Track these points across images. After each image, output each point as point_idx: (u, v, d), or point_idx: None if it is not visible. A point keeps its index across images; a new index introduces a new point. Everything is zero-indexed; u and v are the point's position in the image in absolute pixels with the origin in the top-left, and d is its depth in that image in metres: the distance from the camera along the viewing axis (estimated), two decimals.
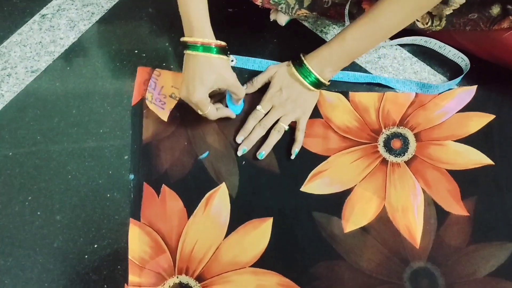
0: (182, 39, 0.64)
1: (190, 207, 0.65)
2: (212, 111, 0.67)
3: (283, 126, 0.70)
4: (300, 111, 0.71)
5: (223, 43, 0.65)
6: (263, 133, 0.70)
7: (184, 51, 0.64)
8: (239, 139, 0.70)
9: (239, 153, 0.69)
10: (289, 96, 0.70)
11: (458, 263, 0.63)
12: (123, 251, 0.62)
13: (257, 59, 0.77)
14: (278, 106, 0.70)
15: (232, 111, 0.71)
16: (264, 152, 0.69)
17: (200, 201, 0.66)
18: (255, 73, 0.74)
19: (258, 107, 0.70)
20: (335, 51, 0.68)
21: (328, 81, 0.71)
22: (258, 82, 0.73)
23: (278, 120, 0.70)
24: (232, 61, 0.76)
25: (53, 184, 0.66)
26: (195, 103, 0.64)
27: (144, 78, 0.74)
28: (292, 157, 0.69)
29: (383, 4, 0.64)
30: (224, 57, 0.65)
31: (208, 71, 0.63)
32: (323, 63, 0.69)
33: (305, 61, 0.69)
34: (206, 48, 0.63)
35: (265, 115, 0.71)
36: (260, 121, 0.70)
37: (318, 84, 0.70)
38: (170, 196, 0.66)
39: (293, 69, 0.70)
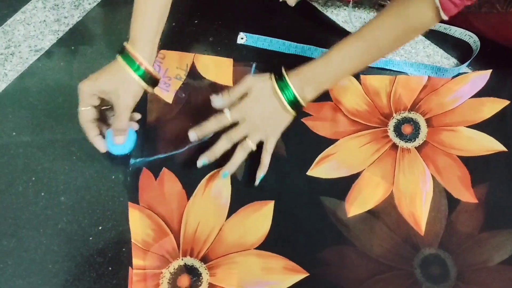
0: (124, 44, 0.61)
1: (190, 188, 0.64)
2: (85, 114, 0.61)
3: (251, 145, 0.63)
4: (270, 130, 0.64)
5: (154, 73, 0.61)
6: (229, 147, 0.63)
7: (117, 55, 0.61)
8: (192, 135, 0.63)
9: (199, 165, 0.63)
10: (262, 111, 0.63)
11: (470, 250, 0.62)
12: (127, 233, 0.61)
13: (267, 38, 0.75)
14: (249, 120, 0.63)
15: (104, 144, 0.63)
16: (228, 171, 0.63)
17: (200, 182, 0.65)
18: (263, 56, 0.73)
19: (226, 110, 0.63)
20: (319, 70, 0.62)
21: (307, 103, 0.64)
22: (234, 92, 0.64)
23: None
24: (242, 38, 0.74)
25: (57, 164, 0.65)
26: (78, 90, 0.61)
27: None
28: (256, 183, 0.64)
29: (372, 24, 0.61)
30: (143, 84, 0.60)
31: (112, 78, 0.60)
32: (304, 81, 0.62)
33: (286, 77, 0.62)
34: (137, 67, 0.60)
35: (232, 126, 0.64)
36: (227, 132, 0.63)
37: (295, 104, 0.63)
38: (168, 178, 0.65)
39: (274, 83, 0.63)
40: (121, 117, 0.61)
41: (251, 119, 0.63)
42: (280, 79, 0.63)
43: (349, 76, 0.70)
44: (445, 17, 0.57)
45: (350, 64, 0.63)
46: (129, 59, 0.60)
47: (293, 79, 0.62)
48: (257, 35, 0.75)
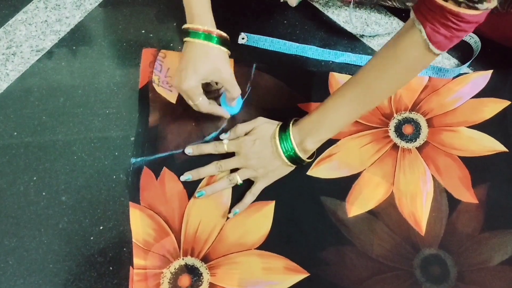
0: (184, 26, 0.62)
1: (191, 188, 0.64)
2: (204, 102, 0.63)
3: (238, 179, 0.63)
4: (262, 173, 0.63)
5: (225, 34, 0.62)
6: (216, 173, 0.65)
7: (184, 39, 0.62)
8: (188, 150, 0.66)
9: (182, 179, 0.64)
10: (259, 152, 0.63)
11: (470, 250, 0.62)
12: (128, 233, 0.61)
13: (268, 38, 0.75)
14: (244, 156, 0.63)
15: (226, 110, 0.67)
16: (205, 192, 0.63)
17: (201, 182, 0.65)
18: (264, 56, 0.73)
19: (225, 141, 0.65)
20: (317, 120, 0.62)
21: (308, 158, 0.64)
22: (240, 129, 0.66)
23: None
24: (243, 38, 0.74)
25: (58, 164, 0.65)
26: (185, 91, 0.61)
27: (149, 60, 0.73)
28: (230, 215, 0.63)
29: (365, 68, 0.59)
30: (224, 49, 0.62)
31: (204, 60, 0.61)
32: (303, 133, 0.62)
33: (290, 128, 0.62)
34: (207, 36, 0.61)
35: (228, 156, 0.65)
36: (220, 161, 0.64)
37: (294, 159, 0.63)
38: (169, 178, 0.65)
39: (276, 132, 0.63)
40: (233, 85, 0.64)
41: (246, 156, 0.63)
42: (283, 129, 0.63)
43: (350, 123, 0.68)
44: (437, 51, 0.53)
45: (347, 112, 0.62)
46: (201, 35, 0.61)
47: (295, 131, 0.62)
48: (258, 35, 0.75)
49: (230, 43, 0.64)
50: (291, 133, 0.62)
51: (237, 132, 0.66)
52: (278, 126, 0.64)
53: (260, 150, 0.63)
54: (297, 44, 0.75)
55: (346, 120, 0.64)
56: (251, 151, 0.63)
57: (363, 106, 0.62)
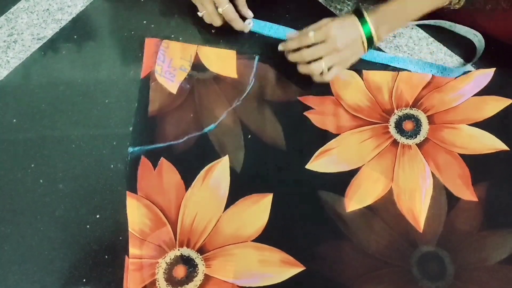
0: None
1: (188, 179, 0.64)
2: (230, 9, 0.66)
3: (323, 66, 0.66)
4: (344, 59, 0.67)
5: None
6: (298, 61, 0.68)
7: None
8: (280, 48, 0.69)
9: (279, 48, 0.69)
10: (345, 37, 0.65)
11: (469, 249, 0.61)
12: (125, 222, 0.61)
13: (274, 25, 0.75)
14: (330, 43, 0.65)
15: (245, 25, 0.70)
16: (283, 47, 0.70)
17: (199, 173, 0.65)
18: (266, 49, 0.73)
19: (311, 32, 0.65)
20: (395, 9, 0.65)
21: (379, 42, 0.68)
22: (307, 30, 0.67)
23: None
24: (249, 24, 0.73)
25: (56, 152, 0.65)
26: None
27: (152, 50, 0.73)
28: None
29: None
30: None
31: None
32: (380, 20, 0.65)
33: (365, 14, 0.65)
34: None
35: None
36: (303, 50, 0.66)
37: (371, 41, 0.66)
38: (167, 168, 0.65)
39: (354, 18, 0.65)
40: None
41: (332, 43, 0.65)
42: (360, 15, 0.65)
43: (420, 16, 0.70)
44: None
45: (425, 4, 0.65)
46: None
47: (371, 16, 0.65)
48: (264, 21, 0.75)
49: None
50: (368, 19, 0.65)
51: (307, 31, 0.66)
52: (353, 15, 0.66)
53: (346, 36, 0.65)
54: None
55: (422, 11, 0.67)
56: (337, 38, 0.65)
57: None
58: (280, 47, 0.69)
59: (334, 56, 0.66)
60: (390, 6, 0.65)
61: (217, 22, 0.70)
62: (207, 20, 0.70)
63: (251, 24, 0.74)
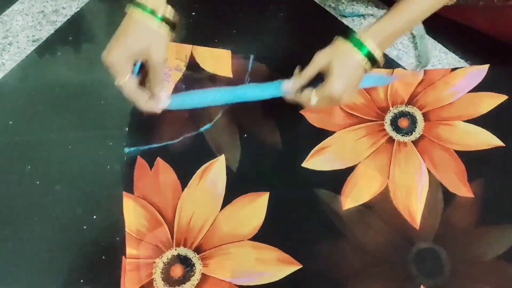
0: None
1: (185, 179, 0.64)
2: (130, 84, 0.57)
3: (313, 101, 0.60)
4: (351, 98, 0.61)
5: (171, 17, 0.57)
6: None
7: (128, 6, 0.55)
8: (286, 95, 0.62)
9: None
10: (350, 86, 0.59)
11: (465, 245, 0.61)
12: (121, 223, 0.61)
13: (199, 92, 0.67)
14: (333, 101, 0.60)
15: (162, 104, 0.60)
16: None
17: (195, 173, 0.65)
18: (260, 48, 0.72)
19: (314, 100, 0.59)
20: (402, 20, 0.59)
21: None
22: (305, 76, 0.60)
23: None
24: (163, 103, 0.62)
25: (52, 154, 0.65)
26: (108, 64, 0.55)
27: None
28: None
29: None
30: (166, 30, 0.56)
31: (139, 35, 0.55)
32: (384, 37, 0.59)
33: (362, 35, 0.59)
34: (152, 11, 0.55)
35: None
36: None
37: (373, 61, 0.59)
38: (163, 168, 0.65)
39: (350, 44, 0.58)
40: (160, 74, 0.58)
41: (336, 100, 0.59)
42: (355, 41, 0.58)
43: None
44: None
45: (425, 10, 0.60)
46: (146, 8, 0.55)
47: (370, 37, 0.58)
48: (181, 95, 0.66)
49: (178, 27, 0.58)
50: (362, 40, 0.58)
51: (304, 79, 0.60)
52: (348, 41, 0.59)
53: (351, 83, 0.59)
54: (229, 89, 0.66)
55: (426, 15, 0.61)
56: (342, 87, 0.58)
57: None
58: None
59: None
60: (388, 21, 0.59)
61: (125, 92, 0.59)
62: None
63: (165, 103, 0.62)
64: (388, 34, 0.59)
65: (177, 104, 0.63)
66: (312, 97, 0.59)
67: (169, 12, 0.56)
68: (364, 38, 0.58)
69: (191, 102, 0.64)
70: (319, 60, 0.59)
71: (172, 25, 0.57)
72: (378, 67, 0.61)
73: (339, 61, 0.58)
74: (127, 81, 0.56)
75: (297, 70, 0.62)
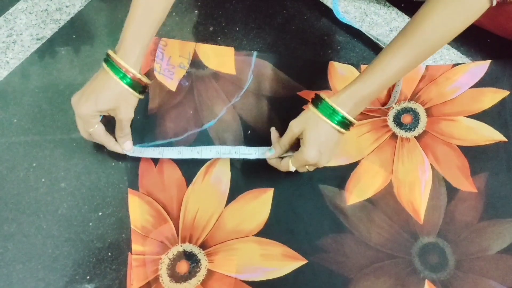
0: (108, 51, 0.59)
1: (189, 176, 0.65)
2: (98, 131, 0.61)
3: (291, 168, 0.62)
4: (330, 160, 0.61)
5: (141, 79, 0.59)
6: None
7: (103, 63, 0.59)
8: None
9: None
10: (325, 150, 0.59)
11: (469, 239, 0.62)
12: (127, 220, 0.61)
13: (159, 148, 0.66)
14: (312, 165, 0.61)
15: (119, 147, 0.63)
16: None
17: (200, 169, 0.65)
18: (263, 46, 0.73)
19: (291, 169, 0.61)
20: (374, 84, 0.57)
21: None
22: (283, 145, 0.62)
23: None
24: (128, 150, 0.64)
25: (57, 151, 0.65)
26: (80, 116, 0.59)
27: (150, 48, 0.73)
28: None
29: (423, 15, 0.56)
30: (134, 93, 0.59)
31: (110, 95, 0.58)
32: (357, 100, 0.58)
33: (329, 101, 0.58)
34: (124, 75, 0.58)
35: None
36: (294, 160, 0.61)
37: (346, 125, 0.59)
38: (168, 165, 0.65)
39: (321, 114, 0.58)
40: (126, 128, 0.62)
41: (314, 165, 0.61)
42: (324, 107, 0.58)
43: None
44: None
45: (405, 68, 0.58)
46: (119, 71, 0.58)
47: (343, 100, 0.58)
48: (147, 146, 0.67)
49: (145, 88, 0.61)
50: (332, 104, 0.58)
51: (283, 148, 0.62)
52: (316, 109, 0.59)
53: (328, 149, 0.60)
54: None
55: (402, 75, 0.62)
56: (316, 154, 0.59)
57: (423, 56, 0.58)
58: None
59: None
60: (359, 85, 0.58)
61: (95, 139, 0.63)
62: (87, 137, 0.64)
63: (129, 152, 0.65)
64: (360, 98, 0.58)
65: (139, 153, 0.65)
66: (290, 166, 0.61)
67: (140, 76, 0.59)
68: (334, 106, 0.58)
69: (152, 154, 0.65)
70: (293, 129, 0.60)
71: (139, 86, 0.60)
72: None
73: (310, 130, 0.59)
74: (96, 130, 0.61)
75: (272, 130, 0.65)
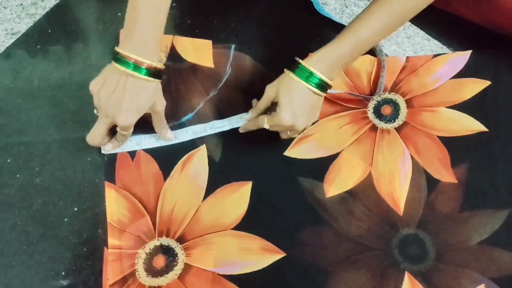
0: (124, 53, 0.56)
1: (166, 169, 0.64)
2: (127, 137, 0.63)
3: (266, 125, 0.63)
4: (308, 123, 0.63)
5: (159, 66, 0.58)
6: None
7: (117, 65, 0.57)
8: (241, 131, 0.66)
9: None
10: (301, 113, 0.61)
11: (449, 230, 0.61)
12: (103, 215, 0.60)
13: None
14: (289, 128, 0.62)
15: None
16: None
17: (177, 163, 0.64)
18: (241, 37, 0.72)
19: (265, 126, 0.62)
20: (346, 47, 0.60)
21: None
22: (259, 109, 0.64)
23: None
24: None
25: (32, 146, 0.64)
26: (125, 128, 0.60)
27: None
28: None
29: None
30: (160, 80, 0.59)
31: (147, 96, 0.58)
32: (330, 62, 0.60)
33: (303, 63, 0.60)
34: (147, 71, 0.57)
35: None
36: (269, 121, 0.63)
37: (323, 87, 0.61)
38: (145, 159, 0.64)
39: (294, 75, 0.60)
40: (163, 118, 0.63)
41: (292, 127, 0.61)
42: (299, 70, 0.60)
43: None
44: None
45: (378, 34, 0.61)
46: (140, 69, 0.56)
47: (316, 62, 0.60)
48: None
49: (161, 75, 0.60)
50: (307, 67, 0.60)
51: (258, 112, 0.64)
52: (291, 73, 0.60)
53: (302, 111, 0.61)
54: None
55: (375, 43, 0.64)
56: (295, 121, 0.60)
57: (396, 23, 0.61)
58: (241, 130, 0.67)
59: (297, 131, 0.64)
60: (339, 45, 0.60)
61: (101, 142, 0.63)
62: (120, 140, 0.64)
63: (173, 138, 0.66)
64: (333, 60, 0.60)
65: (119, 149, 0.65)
66: (264, 124, 0.63)
67: (156, 63, 0.58)
68: (311, 69, 0.60)
69: (130, 145, 0.65)
70: (268, 93, 0.62)
71: (159, 74, 0.59)
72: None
73: (284, 92, 0.61)
74: (130, 132, 0.63)
75: (254, 102, 0.67)
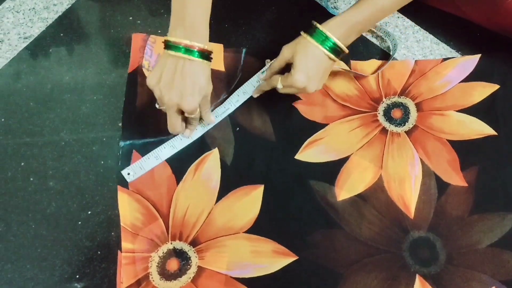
0: (183, 41, 0.56)
1: (179, 173, 0.64)
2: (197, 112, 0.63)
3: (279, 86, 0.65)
4: (319, 86, 0.65)
5: (209, 49, 0.59)
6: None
7: (167, 51, 0.57)
8: (254, 95, 0.69)
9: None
10: (315, 76, 0.63)
11: (460, 233, 0.62)
12: (116, 218, 0.61)
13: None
14: (301, 90, 0.64)
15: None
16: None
17: (190, 167, 0.65)
18: (253, 41, 0.72)
19: (279, 85, 0.64)
20: (363, 15, 0.62)
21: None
22: (273, 68, 0.66)
23: None
24: (128, 174, 0.64)
25: (46, 150, 0.65)
26: (191, 111, 0.60)
27: (139, 45, 0.73)
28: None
29: None
30: (209, 62, 0.60)
31: (205, 79, 0.59)
32: (347, 28, 0.62)
33: (320, 27, 0.62)
34: (200, 54, 0.57)
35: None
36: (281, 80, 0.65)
37: (337, 51, 0.63)
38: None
39: (311, 38, 0.62)
40: (209, 103, 0.63)
41: (302, 90, 0.64)
42: (316, 34, 0.62)
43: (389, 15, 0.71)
44: None
45: (387, 6, 0.63)
46: (198, 54, 0.57)
47: (334, 27, 0.62)
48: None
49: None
50: (324, 31, 0.62)
51: (272, 70, 0.67)
52: (308, 36, 0.62)
53: (315, 73, 0.63)
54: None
55: (393, 9, 0.65)
56: (307, 83, 0.62)
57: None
58: (255, 95, 0.69)
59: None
60: (351, 13, 0.63)
61: (180, 130, 0.64)
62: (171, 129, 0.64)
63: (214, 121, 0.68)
64: (350, 25, 0.63)
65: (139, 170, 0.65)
66: (278, 83, 0.65)
67: (206, 46, 0.58)
68: (324, 31, 0.62)
69: (151, 163, 0.65)
70: (284, 53, 0.65)
71: (211, 57, 0.60)
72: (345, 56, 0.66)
73: (300, 54, 0.62)
74: (198, 114, 0.63)
75: (267, 62, 0.69)
